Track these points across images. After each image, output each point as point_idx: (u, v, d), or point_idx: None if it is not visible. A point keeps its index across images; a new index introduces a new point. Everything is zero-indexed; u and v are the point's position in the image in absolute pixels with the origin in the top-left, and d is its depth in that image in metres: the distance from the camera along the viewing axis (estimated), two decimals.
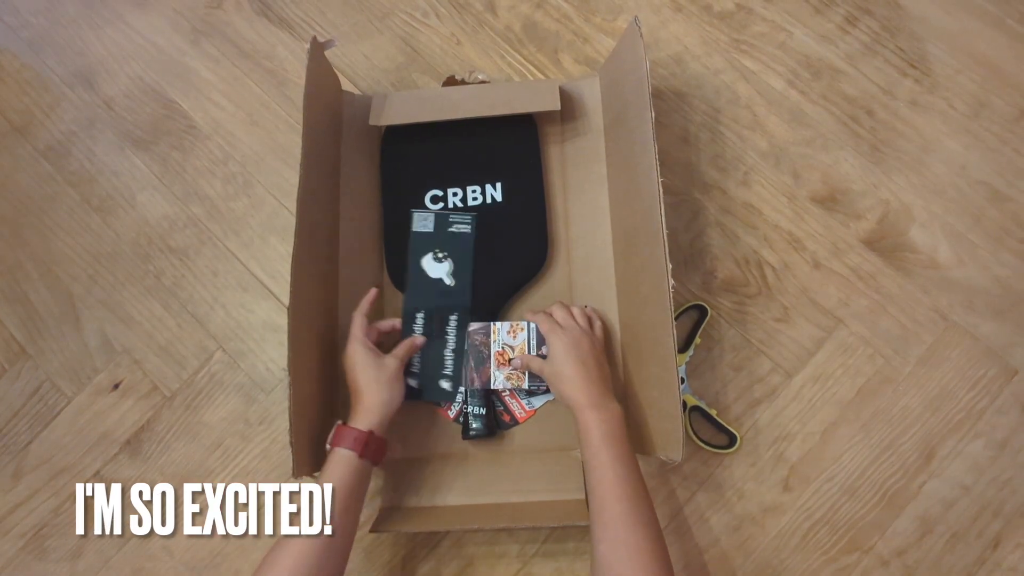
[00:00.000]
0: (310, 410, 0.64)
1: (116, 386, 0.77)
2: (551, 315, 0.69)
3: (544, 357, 0.68)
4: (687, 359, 0.73)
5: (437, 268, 0.74)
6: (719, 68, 0.82)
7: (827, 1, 0.84)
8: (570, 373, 0.63)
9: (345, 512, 0.58)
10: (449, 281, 0.73)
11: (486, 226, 0.75)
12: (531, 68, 0.84)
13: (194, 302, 0.79)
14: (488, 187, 0.76)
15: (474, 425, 0.70)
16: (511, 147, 0.77)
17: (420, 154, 0.78)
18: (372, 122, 0.77)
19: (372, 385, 0.64)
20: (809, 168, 0.79)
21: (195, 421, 0.76)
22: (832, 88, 0.81)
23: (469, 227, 0.74)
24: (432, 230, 0.74)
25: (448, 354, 0.72)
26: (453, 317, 0.72)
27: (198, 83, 0.86)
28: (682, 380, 0.72)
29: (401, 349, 0.69)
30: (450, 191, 0.76)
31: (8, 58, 0.89)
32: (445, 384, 0.72)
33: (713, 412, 0.71)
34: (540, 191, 0.77)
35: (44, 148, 0.85)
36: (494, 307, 0.74)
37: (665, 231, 0.59)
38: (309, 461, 0.62)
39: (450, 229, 0.74)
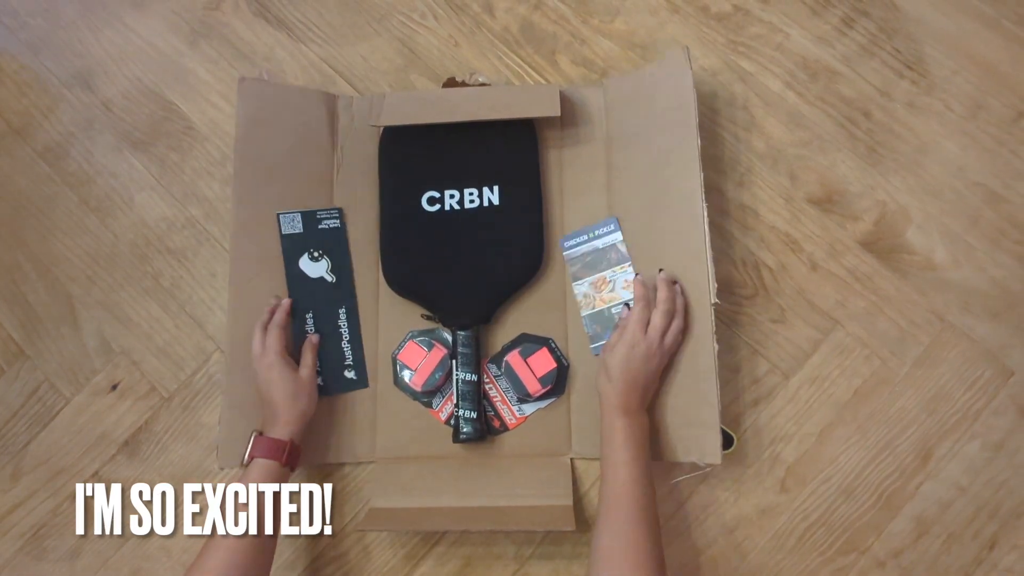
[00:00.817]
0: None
1: (114, 387, 0.78)
2: (647, 306, 0.67)
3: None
4: None
5: (315, 267, 0.76)
6: (716, 69, 0.82)
7: (824, 3, 0.84)
8: (616, 375, 0.64)
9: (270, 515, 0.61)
10: (330, 278, 0.76)
11: (482, 228, 0.75)
12: (528, 69, 0.84)
13: (192, 303, 0.80)
14: (485, 190, 0.76)
15: (464, 429, 0.70)
16: (510, 151, 0.77)
17: (418, 155, 0.77)
18: (372, 123, 0.77)
19: (290, 400, 0.66)
20: (806, 169, 0.79)
21: (193, 422, 0.76)
22: (829, 90, 0.81)
23: (337, 221, 0.77)
24: (302, 230, 0.76)
25: (345, 346, 0.74)
26: (342, 311, 0.75)
27: (196, 84, 0.86)
28: None
29: (308, 356, 0.71)
30: (447, 193, 0.76)
31: (7, 59, 0.89)
32: (349, 374, 0.74)
33: None
34: (538, 196, 0.77)
35: (42, 149, 0.85)
36: (488, 310, 0.74)
37: (710, 252, 0.64)
38: (237, 456, 0.65)
39: (320, 227, 0.76)
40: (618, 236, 0.73)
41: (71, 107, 0.86)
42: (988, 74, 0.80)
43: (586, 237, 0.75)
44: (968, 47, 0.81)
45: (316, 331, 0.74)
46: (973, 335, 0.74)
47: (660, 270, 0.69)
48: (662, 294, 0.66)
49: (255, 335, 0.70)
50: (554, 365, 0.71)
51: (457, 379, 0.71)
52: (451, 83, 0.81)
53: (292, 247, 0.75)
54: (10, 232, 0.83)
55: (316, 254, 0.75)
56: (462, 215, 0.75)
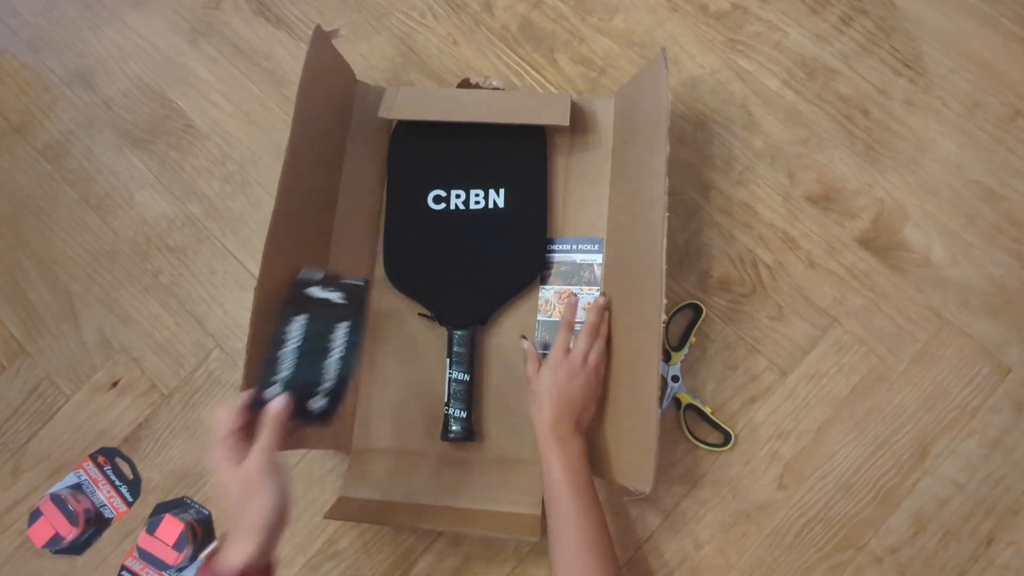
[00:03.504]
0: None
1: (114, 384, 0.78)
2: (569, 330, 0.70)
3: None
4: (682, 357, 0.73)
5: (326, 292, 0.62)
6: (715, 68, 0.83)
7: (822, 1, 0.84)
8: (545, 402, 0.64)
9: None
10: (337, 300, 0.62)
11: (485, 230, 0.75)
12: (527, 68, 0.84)
13: (192, 301, 0.80)
14: (491, 192, 0.76)
15: (453, 427, 0.70)
16: (518, 155, 0.78)
17: (427, 153, 0.78)
18: (381, 114, 0.76)
19: (227, 503, 0.50)
20: (804, 167, 0.79)
21: (193, 419, 0.76)
22: (827, 88, 0.81)
23: (363, 281, 0.63)
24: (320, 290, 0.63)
25: (331, 363, 0.58)
26: (343, 325, 0.60)
27: (196, 83, 0.86)
28: (676, 378, 0.72)
29: (264, 435, 0.51)
30: (453, 192, 0.76)
31: (7, 58, 0.89)
32: (321, 401, 0.57)
33: (708, 410, 0.72)
34: (543, 203, 0.77)
35: (43, 147, 0.86)
36: (485, 311, 0.74)
37: (664, 265, 0.59)
38: None
39: (343, 282, 0.63)
40: (598, 258, 0.74)
41: (72, 105, 0.87)
42: (986, 72, 0.80)
43: (569, 247, 0.75)
44: (966, 45, 0.81)
45: (304, 339, 0.58)
46: (970, 332, 0.74)
47: (602, 293, 0.72)
48: (590, 317, 0.69)
49: (240, 402, 0.53)
50: (182, 527, 0.70)
51: (449, 378, 0.71)
52: (465, 84, 0.81)
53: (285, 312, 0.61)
54: (11, 230, 0.83)
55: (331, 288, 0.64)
56: (466, 216, 0.76)
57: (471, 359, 0.72)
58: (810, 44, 0.83)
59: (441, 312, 0.74)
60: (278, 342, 0.58)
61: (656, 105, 0.66)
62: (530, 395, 0.67)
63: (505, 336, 0.75)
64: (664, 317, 0.58)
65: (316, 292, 0.62)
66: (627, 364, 0.66)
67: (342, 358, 0.58)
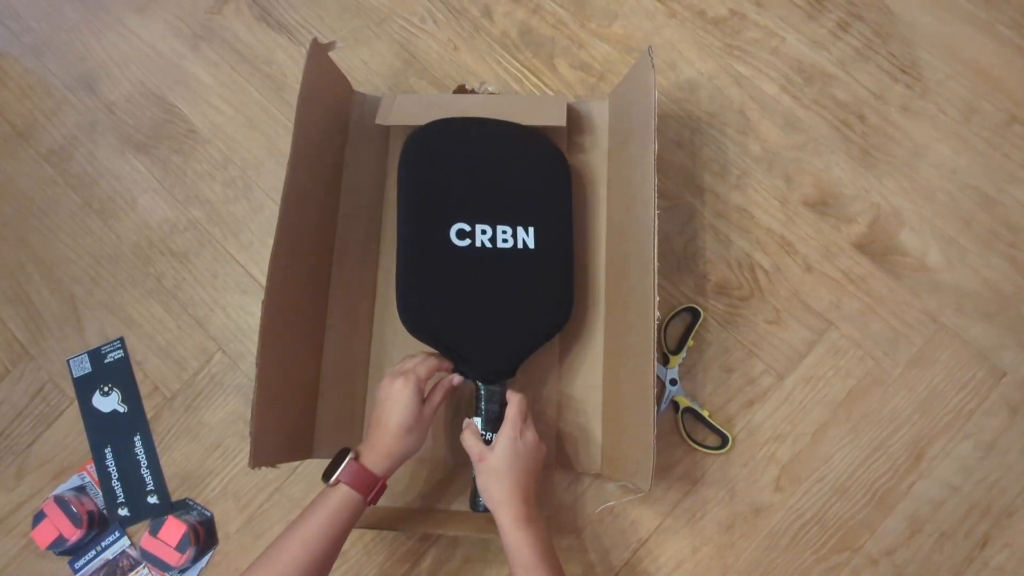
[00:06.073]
0: (278, 406, 0.63)
1: None
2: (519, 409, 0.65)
3: (487, 443, 0.64)
4: (680, 361, 0.74)
5: (107, 402, 0.78)
6: (712, 73, 0.83)
7: (819, 7, 0.84)
8: (511, 480, 0.60)
9: (334, 544, 0.56)
10: (122, 408, 0.77)
11: (515, 273, 0.68)
12: (527, 74, 0.85)
13: (194, 304, 0.80)
14: (520, 230, 0.69)
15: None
16: (545, 186, 0.72)
17: (448, 179, 0.70)
18: (379, 121, 0.75)
19: (404, 432, 0.60)
20: (801, 172, 0.80)
21: (195, 422, 0.77)
22: (824, 93, 0.82)
23: (120, 351, 0.79)
24: (91, 369, 0.78)
25: (145, 472, 0.75)
26: (136, 439, 0.76)
27: (198, 88, 0.87)
28: (674, 382, 0.73)
29: (437, 396, 0.64)
30: (478, 227, 0.68)
31: (10, 63, 0.90)
32: (152, 499, 0.75)
33: (705, 413, 0.72)
34: (570, 239, 0.72)
35: (46, 152, 0.86)
36: (513, 364, 0.68)
37: (656, 264, 0.59)
38: (269, 454, 0.60)
39: (106, 361, 0.79)
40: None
41: (74, 110, 0.87)
42: (981, 78, 0.81)
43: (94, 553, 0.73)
44: (962, 51, 0.82)
45: (116, 466, 0.75)
46: (966, 336, 0.74)
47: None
48: (511, 412, 0.64)
49: (418, 355, 0.65)
50: (184, 528, 0.71)
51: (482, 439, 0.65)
52: (461, 91, 0.82)
53: (84, 388, 0.78)
54: (14, 233, 0.84)
55: (106, 388, 0.78)
56: (493, 255, 0.68)
57: (501, 417, 0.64)
58: (807, 50, 0.83)
59: (468, 364, 0.67)
60: None
61: (645, 104, 0.65)
62: (484, 473, 0.61)
63: (525, 377, 0.72)
64: (657, 313, 0.57)
65: None
66: (624, 363, 0.67)
67: (149, 466, 0.75)
